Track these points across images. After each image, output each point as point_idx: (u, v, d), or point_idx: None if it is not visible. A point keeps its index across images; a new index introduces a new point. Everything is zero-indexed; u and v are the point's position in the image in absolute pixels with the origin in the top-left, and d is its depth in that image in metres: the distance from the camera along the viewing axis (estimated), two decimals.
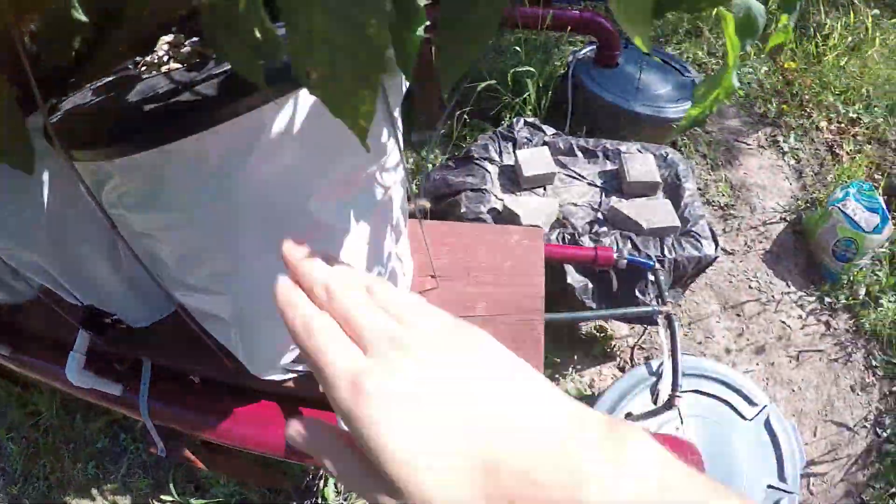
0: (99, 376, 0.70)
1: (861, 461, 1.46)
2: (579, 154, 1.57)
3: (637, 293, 1.27)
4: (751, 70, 2.38)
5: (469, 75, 1.99)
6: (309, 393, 0.70)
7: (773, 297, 1.69)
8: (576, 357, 1.47)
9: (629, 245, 1.27)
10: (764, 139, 2.14)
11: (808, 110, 2.23)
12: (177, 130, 0.31)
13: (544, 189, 1.51)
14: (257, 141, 0.35)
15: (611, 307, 1.27)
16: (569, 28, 1.85)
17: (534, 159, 1.49)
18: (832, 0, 2.60)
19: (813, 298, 1.70)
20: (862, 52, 2.37)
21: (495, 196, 1.46)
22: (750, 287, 1.70)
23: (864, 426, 1.51)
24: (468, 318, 0.58)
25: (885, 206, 1.68)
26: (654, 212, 1.34)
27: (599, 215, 1.41)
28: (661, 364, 1.14)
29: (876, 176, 2.03)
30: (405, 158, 0.53)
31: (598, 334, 1.51)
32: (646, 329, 1.53)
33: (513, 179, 1.53)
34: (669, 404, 1.08)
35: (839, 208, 1.68)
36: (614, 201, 1.40)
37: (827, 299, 1.70)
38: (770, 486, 1.08)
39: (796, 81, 2.31)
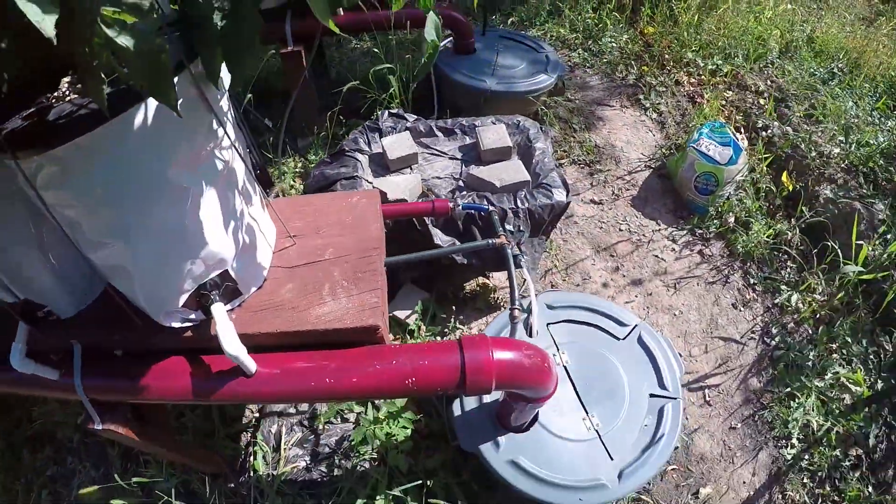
0: (38, 363, 0.99)
1: (754, 369, 1.85)
2: (439, 134, 1.99)
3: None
4: (611, 39, 2.94)
5: (336, 78, 2.36)
6: (207, 343, 1.02)
7: (644, 235, 2.16)
8: (462, 312, 1.86)
9: (484, 202, 1.68)
10: (626, 100, 2.68)
11: (667, 68, 2.79)
12: (77, 132, 0.65)
13: (410, 169, 1.90)
14: (128, 133, 0.69)
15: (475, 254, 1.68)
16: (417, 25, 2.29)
17: (397, 144, 1.89)
18: None
19: (684, 232, 2.18)
20: (717, 9, 2.98)
21: (366, 181, 1.83)
22: (620, 230, 2.17)
23: (752, 338, 1.90)
24: (318, 262, 0.94)
25: (735, 139, 2.18)
26: (506, 171, 1.77)
27: (460, 183, 1.82)
28: (530, 301, 1.50)
29: (737, 117, 2.56)
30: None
31: (479, 290, 1.91)
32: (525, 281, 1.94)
33: (382, 164, 1.92)
34: (529, 331, 1.46)
35: (694, 147, 2.16)
36: (472, 169, 1.82)
37: (698, 231, 2.17)
38: (652, 395, 1.41)
39: (656, 44, 2.88)
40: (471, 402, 1.39)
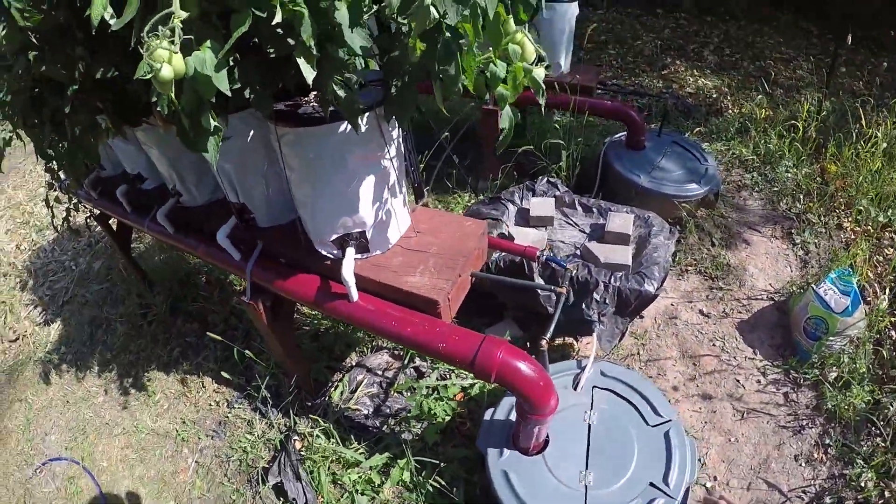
0: (232, 244, 1.60)
1: None
2: (579, 208, 2.32)
3: (583, 306, 1.94)
4: (788, 169, 2.94)
5: (527, 141, 2.82)
6: (335, 274, 1.51)
7: (735, 358, 2.19)
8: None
9: (586, 270, 1.96)
10: (779, 230, 2.67)
11: (836, 211, 2.72)
12: (309, 124, 1.18)
13: (545, 228, 2.26)
14: (333, 134, 1.21)
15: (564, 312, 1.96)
16: (604, 115, 2.65)
17: (541, 205, 2.27)
18: (879, 106, 3.05)
19: (777, 370, 2.14)
20: None
21: (507, 225, 2.25)
22: (714, 345, 2.23)
23: (800, 497, 1.81)
24: (424, 252, 1.41)
25: (858, 292, 2.09)
26: (614, 253, 2.02)
27: (577, 251, 2.12)
28: (586, 364, 1.77)
29: (888, 275, 2.38)
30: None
31: (564, 345, 2.17)
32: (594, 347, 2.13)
33: (525, 217, 2.31)
34: (574, 385, 1.71)
35: (814, 289, 2.14)
36: (590, 243, 2.12)
37: (792, 373, 2.10)
38: (652, 484, 1.50)
39: (832, 183, 2.81)
40: (500, 415, 1.69)
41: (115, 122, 1.38)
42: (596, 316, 1.92)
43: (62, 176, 2.22)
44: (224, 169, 1.50)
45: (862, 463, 1.85)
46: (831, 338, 2.07)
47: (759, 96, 3.45)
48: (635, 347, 2.23)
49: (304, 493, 1.80)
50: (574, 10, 2.48)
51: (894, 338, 2.17)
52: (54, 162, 1.69)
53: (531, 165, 2.82)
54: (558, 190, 2.38)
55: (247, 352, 2.09)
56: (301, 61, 0.85)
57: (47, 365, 2.95)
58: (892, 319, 2.15)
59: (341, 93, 0.95)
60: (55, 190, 2.36)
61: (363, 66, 1.00)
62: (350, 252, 1.43)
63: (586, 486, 1.51)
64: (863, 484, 1.79)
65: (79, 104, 1.29)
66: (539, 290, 1.97)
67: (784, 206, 2.79)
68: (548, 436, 1.62)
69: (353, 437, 1.97)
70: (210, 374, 2.42)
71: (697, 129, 3.27)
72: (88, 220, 2.67)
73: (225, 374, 2.25)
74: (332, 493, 1.85)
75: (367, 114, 1.16)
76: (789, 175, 2.92)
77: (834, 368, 2.07)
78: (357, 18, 0.86)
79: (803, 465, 1.90)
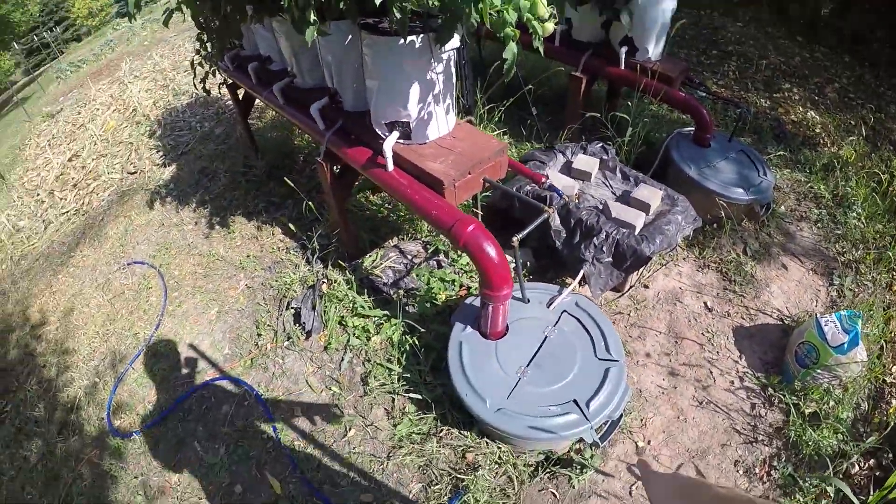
0: (321, 117, 2.19)
1: None
2: (618, 174, 2.69)
3: (582, 247, 2.34)
4: (858, 216, 3.05)
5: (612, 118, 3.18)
6: (382, 151, 2.04)
7: (718, 355, 2.47)
8: (537, 276, 2.58)
9: (595, 218, 2.35)
10: (820, 268, 2.84)
11: (892, 273, 2.82)
12: (385, 34, 1.71)
13: (581, 182, 2.65)
14: (397, 43, 1.73)
15: (568, 248, 2.38)
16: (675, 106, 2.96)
17: (585, 162, 2.67)
18: None
19: (755, 382, 2.38)
20: None
21: (548, 169, 2.67)
22: (703, 335, 2.53)
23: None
24: (451, 150, 1.98)
25: (860, 335, 2.24)
26: (627, 213, 2.40)
27: (598, 205, 2.51)
28: (570, 287, 2.20)
29: None
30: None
31: (560, 280, 2.58)
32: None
33: (569, 168, 2.72)
34: (548, 304, 2.15)
35: (817, 316, 2.35)
36: (611, 201, 2.49)
37: (769, 391, 2.32)
38: (574, 401, 1.86)
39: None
40: (477, 303, 2.15)
41: (258, 9, 1.99)
42: (590, 258, 2.32)
43: (209, 47, 2.94)
44: (327, 60, 2.14)
45: (801, 500, 1.98)
46: (819, 370, 2.20)
47: (859, 140, 3.52)
48: (629, 309, 2.60)
49: (313, 321, 2.40)
50: (670, 3, 2.78)
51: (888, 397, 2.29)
52: (205, 35, 2.35)
53: (598, 133, 3.19)
54: (606, 155, 2.76)
55: (310, 203, 2.76)
56: None
57: (154, 195, 3.84)
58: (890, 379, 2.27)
59: (398, 15, 1.47)
60: (200, 55, 3.09)
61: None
62: (394, 134, 1.97)
63: (520, 378, 1.96)
64: None
65: None
66: (551, 226, 2.40)
67: (836, 249, 2.92)
68: (508, 329, 2.07)
69: (367, 294, 2.56)
70: (281, 226, 3.17)
71: (781, 153, 3.43)
72: (221, 86, 3.44)
73: (291, 227, 2.96)
74: (336, 329, 2.45)
75: (420, 35, 1.68)
76: (857, 224, 3.02)
77: (813, 403, 2.20)
78: None
79: (741, 472, 2.08)
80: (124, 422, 2.55)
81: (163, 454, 2.37)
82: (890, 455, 2.07)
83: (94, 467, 2.43)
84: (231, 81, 3.29)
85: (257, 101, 3.44)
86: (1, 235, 4.44)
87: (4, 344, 3.29)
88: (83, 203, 4.31)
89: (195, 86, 3.39)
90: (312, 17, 1.58)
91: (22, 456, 2.62)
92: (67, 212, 4.34)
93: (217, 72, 3.20)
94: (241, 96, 3.42)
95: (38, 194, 4.84)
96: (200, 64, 3.19)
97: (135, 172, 4.29)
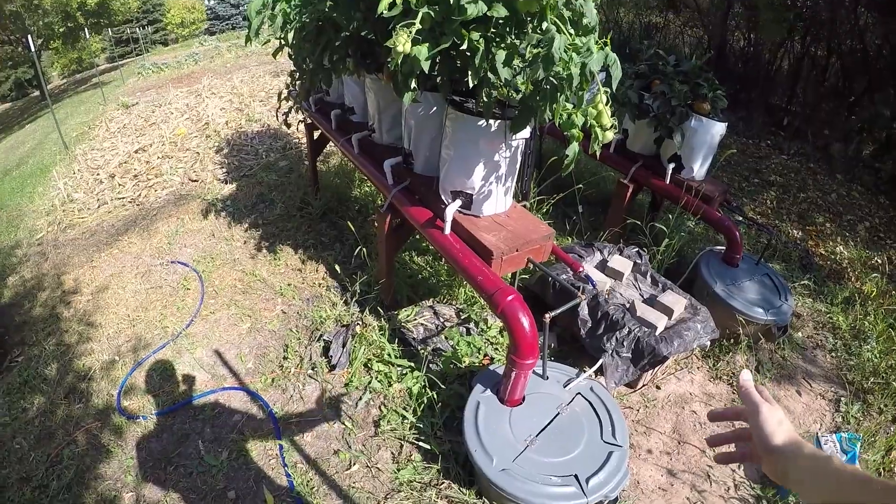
0: (392, 174, 2.46)
1: None
2: (648, 279, 2.90)
3: (604, 338, 2.52)
4: (872, 350, 3.18)
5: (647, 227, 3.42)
6: (443, 216, 2.28)
7: (718, 470, 2.55)
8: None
9: (621, 314, 2.54)
10: (831, 394, 2.96)
11: None
12: (470, 113, 1.98)
13: (615, 280, 2.86)
14: (475, 125, 2.00)
15: (591, 339, 2.56)
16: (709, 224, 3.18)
17: (619, 262, 2.89)
18: None
19: (751, 491, 2.49)
20: None
21: (586, 262, 2.90)
22: (704, 442, 2.63)
23: None
24: (503, 227, 2.24)
25: (858, 456, 2.36)
26: (650, 314, 2.58)
27: (626, 304, 2.70)
28: (589, 373, 2.37)
29: None
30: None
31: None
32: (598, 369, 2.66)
33: (603, 266, 2.94)
34: (565, 385, 2.31)
35: (818, 434, 2.46)
36: (639, 302, 2.68)
37: (763, 502, 2.47)
38: (575, 476, 1.99)
39: None
40: (498, 370, 2.32)
41: (359, 64, 2.30)
42: (610, 349, 2.49)
43: (297, 86, 3.29)
44: (409, 124, 2.40)
45: None
46: None
47: (882, 277, 3.69)
48: (638, 405, 2.73)
49: (341, 356, 2.59)
50: (719, 129, 3.07)
51: None
52: (298, 74, 2.68)
53: (636, 239, 3.42)
54: (640, 259, 2.98)
55: (364, 248, 2.98)
56: (470, 72, 1.64)
57: (211, 206, 4.13)
58: None
59: (485, 99, 1.74)
60: (288, 91, 3.45)
61: (508, 91, 1.78)
62: (457, 202, 2.22)
63: (528, 445, 2.10)
64: None
65: (342, 43, 2.21)
66: (579, 314, 2.59)
67: (849, 378, 3.05)
68: (524, 400, 2.23)
69: (397, 344, 2.73)
70: (326, 265, 3.40)
71: (805, 282, 3.61)
72: (300, 123, 3.79)
73: (337, 267, 3.19)
74: (360, 370, 2.62)
75: (498, 121, 1.95)
76: (871, 357, 3.16)
77: None
78: (508, 61, 1.65)
79: None
80: (133, 404, 2.67)
81: (165, 443, 2.49)
82: None
83: (91, 437, 2.53)
84: (310, 122, 3.63)
85: (329, 145, 3.78)
86: (55, 200, 4.73)
87: (31, 299, 3.47)
88: (140, 195, 4.62)
89: (276, 116, 3.74)
90: (413, 84, 1.85)
91: (21, 407, 2.72)
92: (123, 198, 4.65)
93: (300, 110, 3.54)
94: (315, 137, 3.75)
95: (99, 174, 5.17)
96: (286, 98, 3.55)
97: (196, 180, 4.62)
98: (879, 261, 4.10)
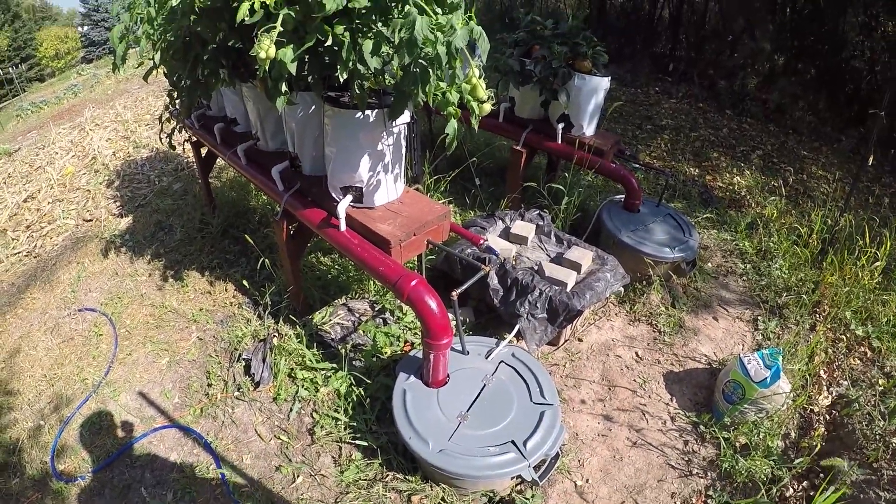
0: (281, 180, 2.44)
1: None
2: (553, 238, 3.01)
3: (517, 304, 2.61)
4: (781, 268, 3.43)
5: (549, 188, 3.55)
6: (336, 213, 2.29)
7: (649, 399, 2.74)
8: (476, 331, 2.82)
9: (530, 277, 2.63)
10: (748, 315, 3.19)
11: (816, 315, 3.17)
12: (344, 107, 1.99)
13: (520, 245, 2.96)
14: (353, 117, 2.01)
15: (505, 306, 2.64)
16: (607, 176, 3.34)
17: (522, 227, 2.98)
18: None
19: (686, 420, 2.66)
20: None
21: (489, 233, 2.97)
22: (636, 382, 2.80)
23: None
24: (398, 214, 2.29)
25: (781, 369, 2.49)
26: (560, 272, 2.69)
27: (534, 266, 2.80)
28: (507, 340, 2.45)
29: (840, 378, 2.80)
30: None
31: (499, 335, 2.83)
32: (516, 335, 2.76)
33: (507, 234, 3.02)
34: (487, 355, 2.39)
35: (741, 357, 2.58)
36: (545, 262, 2.79)
37: (701, 428, 2.58)
38: (512, 442, 2.05)
39: (822, 290, 3.27)
40: (418, 355, 2.36)
41: (231, 75, 2.26)
42: (525, 313, 2.58)
43: (177, 104, 3.18)
44: (290, 126, 2.38)
45: None
46: (746, 405, 2.46)
47: (780, 199, 3.99)
48: (564, 361, 2.85)
49: (262, 371, 2.56)
50: (603, 83, 3.21)
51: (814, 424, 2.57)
52: (176, 92, 2.60)
53: (536, 202, 3.54)
54: (542, 221, 3.09)
55: (267, 260, 2.94)
56: (339, 67, 1.65)
57: (109, 244, 3.95)
58: (816, 408, 2.56)
59: (357, 91, 1.75)
60: (168, 112, 3.33)
61: (384, 78, 1.81)
62: (348, 198, 2.23)
63: (460, 422, 2.16)
64: None
65: (212, 56, 2.17)
66: (489, 285, 2.67)
67: (762, 298, 3.30)
68: (449, 378, 2.28)
69: (316, 348, 2.73)
70: (234, 282, 3.32)
71: (708, 215, 3.85)
72: (185, 143, 3.66)
73: (245, 283, 3.13)
74: (285, 381, 2.61)
75: (375, 110, 1.97)
76: (780, 274, 3.42)
77: (743, 436, 2.45)
78: (376, 50, 1.67)
79: (678, 503, 2.28)
80: (69, 466, 2.58)
81: (108, 499, 2.41)
82: (821, 475, 2.33)
83: None
84: (195, 139, 3.51)
85: (218, 160, 3.67)
86: None
87: None
88: (36, 245, 4.36)
89: (161, 140, 3.59)
90: (284, 88, 1.83)
91: None
92: (19, 252, 4.37)
93: (183, 129, 3.42)
94: (203, 154, 3.64)
95: None
96: (168, 120, 3.42)
97: (90, 220, 4.40)
98: (776, 184, 4.42)
